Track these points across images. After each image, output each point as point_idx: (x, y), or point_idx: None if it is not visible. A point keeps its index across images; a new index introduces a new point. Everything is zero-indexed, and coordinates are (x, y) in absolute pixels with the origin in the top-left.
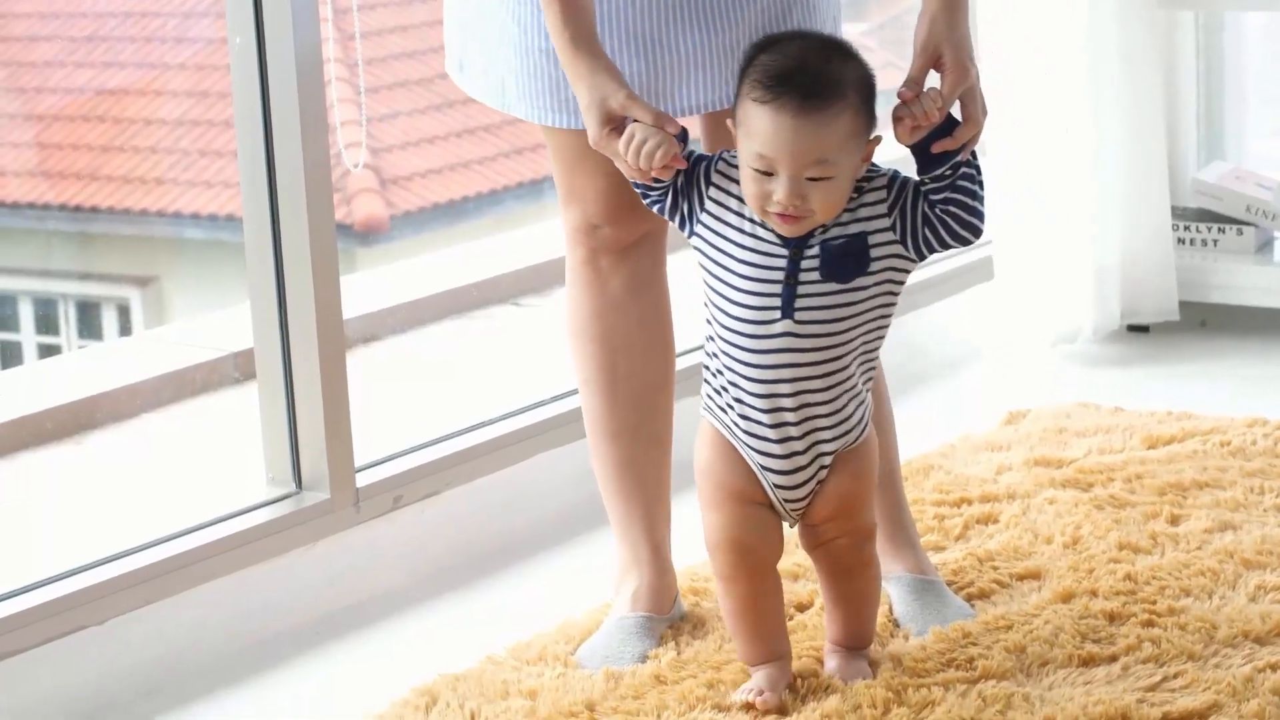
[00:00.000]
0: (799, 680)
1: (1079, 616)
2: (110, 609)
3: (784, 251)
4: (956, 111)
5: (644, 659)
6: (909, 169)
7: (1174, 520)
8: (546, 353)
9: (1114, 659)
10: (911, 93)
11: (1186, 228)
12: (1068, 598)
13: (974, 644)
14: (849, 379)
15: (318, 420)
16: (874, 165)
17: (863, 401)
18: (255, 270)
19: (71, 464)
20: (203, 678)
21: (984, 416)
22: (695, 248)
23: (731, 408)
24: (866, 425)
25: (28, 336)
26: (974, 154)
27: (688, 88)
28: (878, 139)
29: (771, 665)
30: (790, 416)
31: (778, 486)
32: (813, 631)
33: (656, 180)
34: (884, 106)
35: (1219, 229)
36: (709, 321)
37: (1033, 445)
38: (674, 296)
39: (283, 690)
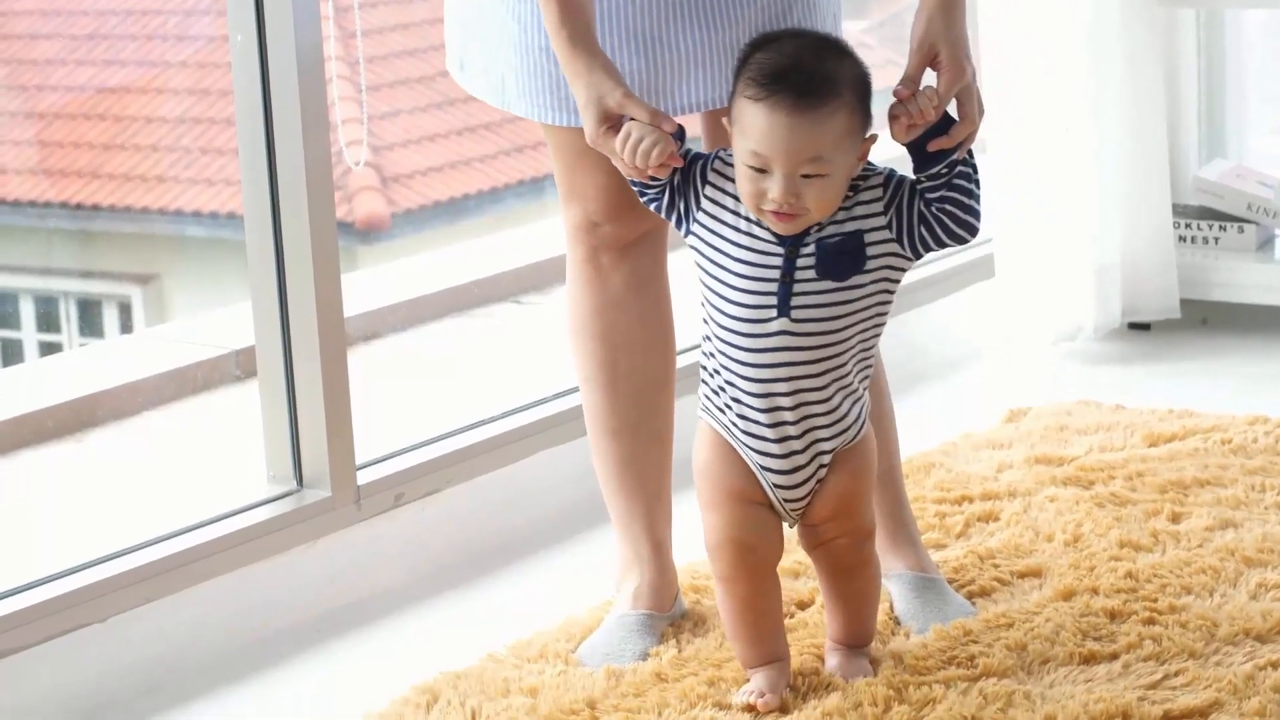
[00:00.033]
0: (800, 678)
1: (1080, 614)
2: (111, 607)
3: (780, 250)
4: (954, 110)
5: (645, 657)
6: (906, 168)
7: (1175, 518)
8: (547, 350)
9: (1115, 657)
10: (907, 91)
11: (1188, 225)
12: (1069, 595)
13: (975, 642)
14: (846, 377)
15: (319, 418)
16: (870, 164)
17: (859, 399)
18: (256, 268)
19: (72, 462)
20: (203, 675)
21: (985, 414)
22: (692, 247)
23: (729, 408)
24: (864, 424)
25: (29, 334)
26: (970, 152)
27: (688, 86)
28: (873, 137)
29: (771, 667)
30: (788, 416)
31: (777, 486)
32: (814, 629)
33: (653, 178)
34: (882, 105)
35: (1220, 227)
36: (706, 321)
37: (1034, 443)
38: (675, 294)
39: (283, 688)
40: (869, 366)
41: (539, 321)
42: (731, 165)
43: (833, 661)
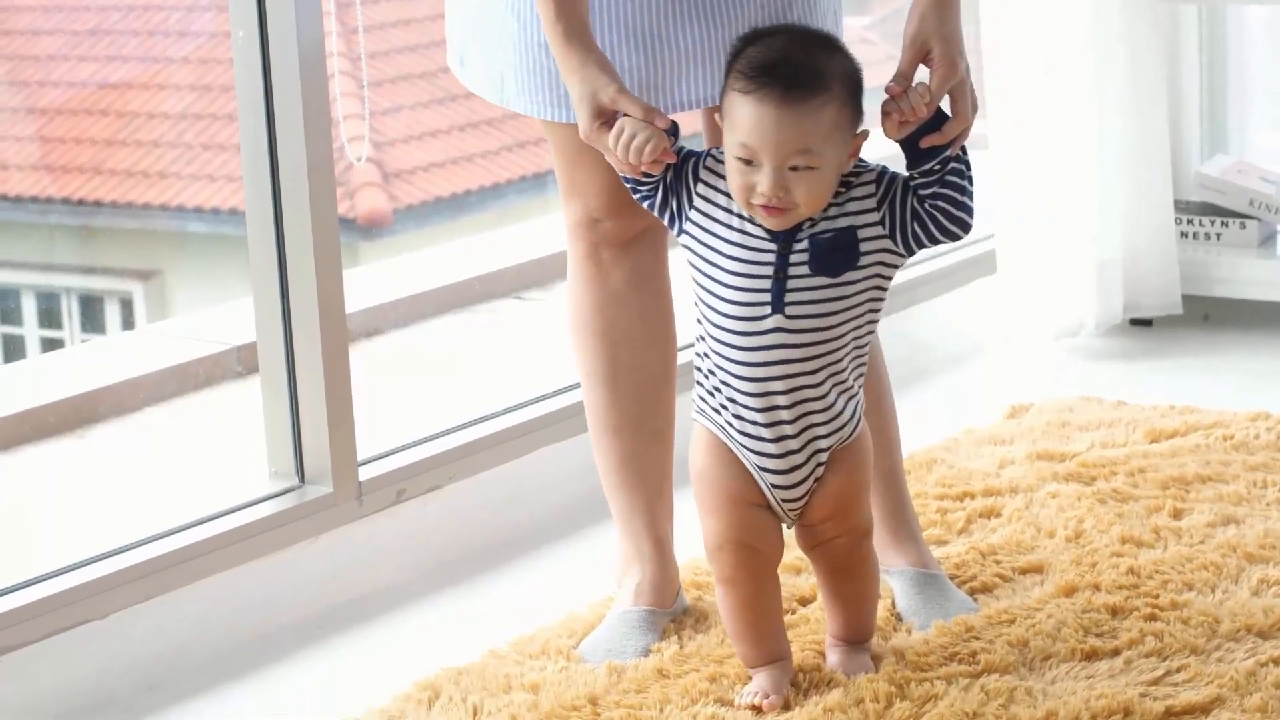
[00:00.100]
0: (801, 675)
1: (1081, 610)
2: (112, 603)
3: (772, 246)
4: (947, 106)
5: (646, 653)
6: (902, 166)
7: (1177, 514)
8: (549, 347)
9: (1116, 653)
10: (899, 87)
11: (1189, 221)
12: (1070, 592)
13: (976, 638)
14: (842, 374)
15: (320, 414)
16: (862, 160)
17: (855, 397)
18: (258, 264)
19: (74, 458)
20: (204, 672)
21: (986, 410)
22: (685, 246)
23: (725, 408)
24: (860, 421)
25: (30, 330)
26: (964, 149)
27: (687, 83)
28: (865, 133)
29: (773, 666)
30: (785, 414)
31: (774, 486)
32: (815, 625)
33: (647, 175)
34: (877, 101)
35: (1222, 223)
36: (700, 321)
37: (1035, 439)
38: (676, 290)
39: (285, 684)
40: (863, 363)
41: (541, 317)
42: (723, 163)
43: (834, 658)
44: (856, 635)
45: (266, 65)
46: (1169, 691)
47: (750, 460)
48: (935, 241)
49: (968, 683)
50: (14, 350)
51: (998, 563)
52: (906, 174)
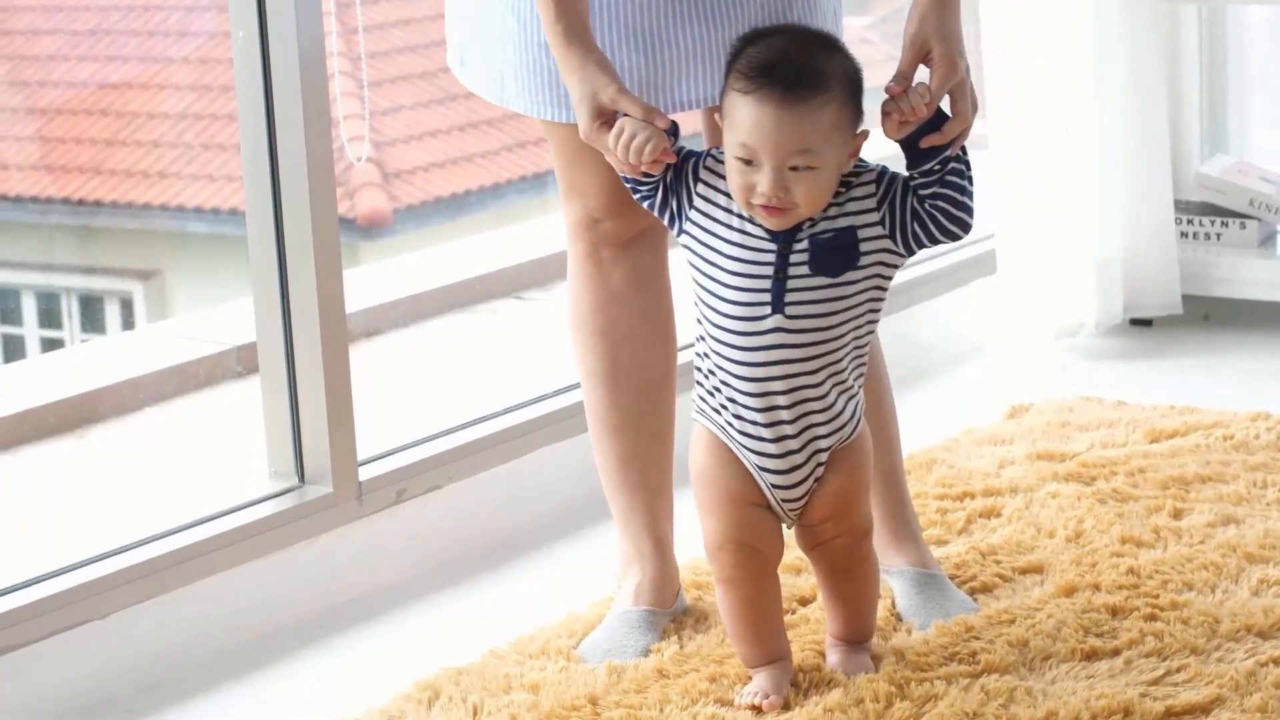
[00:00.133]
0: (801, 674)
1: (1081, 610)
2: (112, 603)
3: (772, 246)
4: (947, 106)
5: (646, 653)
6: (902, 166)
7: (1177, 514)
8: (549, 346)
9: (1116, 653)
10: (899, 87)
11: (1189, 221)
12: (1070, 592)
13: (976, 638)
14: (842, 374)
15: (320, 414)
16: (862, 160)
17: (855, 397)
18: (258, 264)
19: (74, 458)
20: (204, 672)
21: (986, 410)
22: (685, 246)
23: (725, 408)
24: (859, 421)
25: (30, 330)
26: (964, 149)
27: (687, 83)
28: (864, 133)
29: (773, 667)
30: (785, 415)
31: (775, 486)
32: (815, 625)
33: (646, 175)
34: (877, 101)
35: (1222, 223)
36: (699, 321)
37: (1035, 439)
38: (676, 290)
39: (285, 685)
40: (863, 363)
41: (541, 317)
42: (723, 163)
43: (834, 658)
44: (856, 635)
45: (266, 65)
46: (1169, 691)
47: (750, 460)
48: (935, 241)
49: (968, 683)
50: (14, 350)
51: (998, 563)
52: (906, 174)
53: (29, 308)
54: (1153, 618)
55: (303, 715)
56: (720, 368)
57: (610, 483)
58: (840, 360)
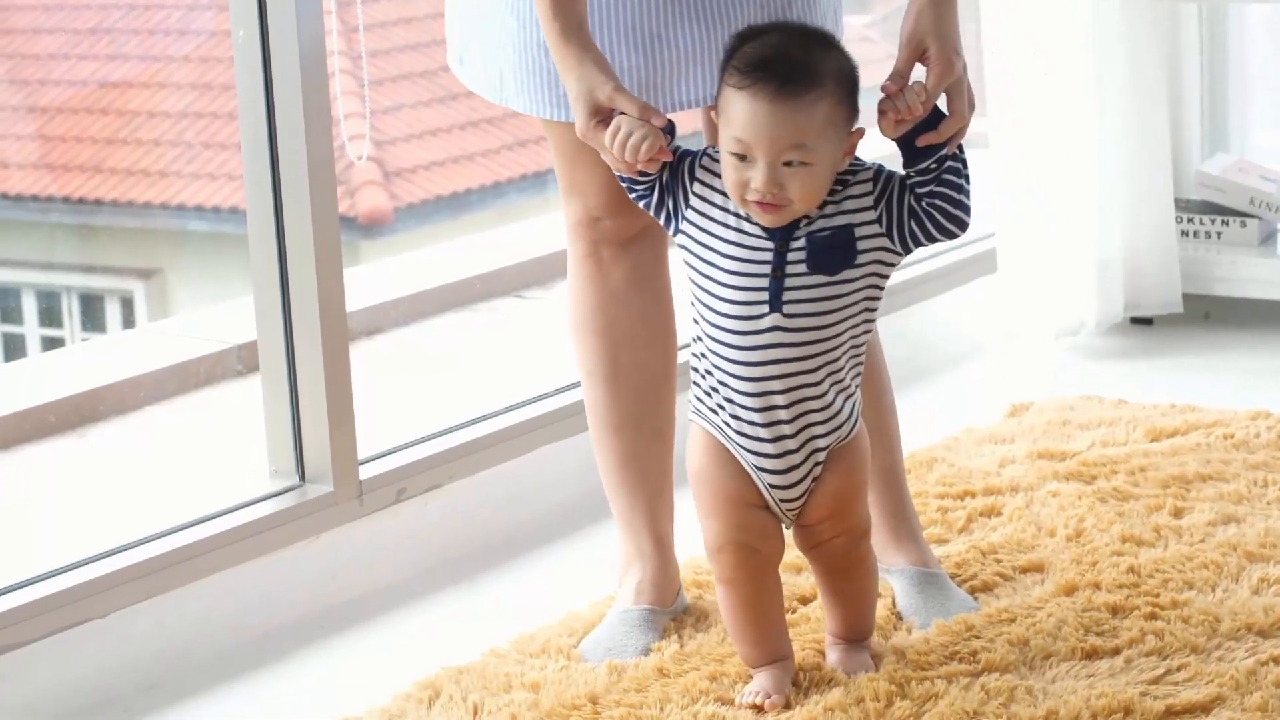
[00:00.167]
0: (802, 673)
1: (1082, 609)
2: (112, 602)
3: (769, 244)
4: (944, 105)
5: (647, 652)
6: (899, 165)
7: (1177, 513)
8: (550, 345)
9: (1117, 652)
10: (896, 86)
11: (1190, 220)
12: (1071, 590)
13: (977, 637)
14: (839, 372)
15: (321, 413)
16: (858, 159)
17: (852, 396)
18: (258, 263)
19: (74, 457)
20: (204, 672)
21: (987, 409)
22: (681, 246)
23: (722, 408)
24: (857, 421)
25: (31, 329)
26: (960, 148)
27: (687, 83)
28: (860, 131)
29: (775, 666)
30: (783, 414)
31: (772, 486)
32: (815, 624)
33: (642, 174)
34: (875, 100)
35: (1222, 221)
36: (696, 321)
37: (1036, 438)
38: (676, 289)
39: (285, 684)
40: (860, 363)
41: (541, 316)
42: (719, 161)
43: (834, 656)
44: (855, 633)
45: (267, 64)
46: (1169, 690)
47: (747, 460)
48: (932, 240)
49: (968, 682)
50: (14, 349)
51: (998, 561)
52: (903, 172)
53: (29, 306)
54: (1153, 617)
55: (303, 715)
56: (718, 367)
57: (610, 482)
58: (838, 359)
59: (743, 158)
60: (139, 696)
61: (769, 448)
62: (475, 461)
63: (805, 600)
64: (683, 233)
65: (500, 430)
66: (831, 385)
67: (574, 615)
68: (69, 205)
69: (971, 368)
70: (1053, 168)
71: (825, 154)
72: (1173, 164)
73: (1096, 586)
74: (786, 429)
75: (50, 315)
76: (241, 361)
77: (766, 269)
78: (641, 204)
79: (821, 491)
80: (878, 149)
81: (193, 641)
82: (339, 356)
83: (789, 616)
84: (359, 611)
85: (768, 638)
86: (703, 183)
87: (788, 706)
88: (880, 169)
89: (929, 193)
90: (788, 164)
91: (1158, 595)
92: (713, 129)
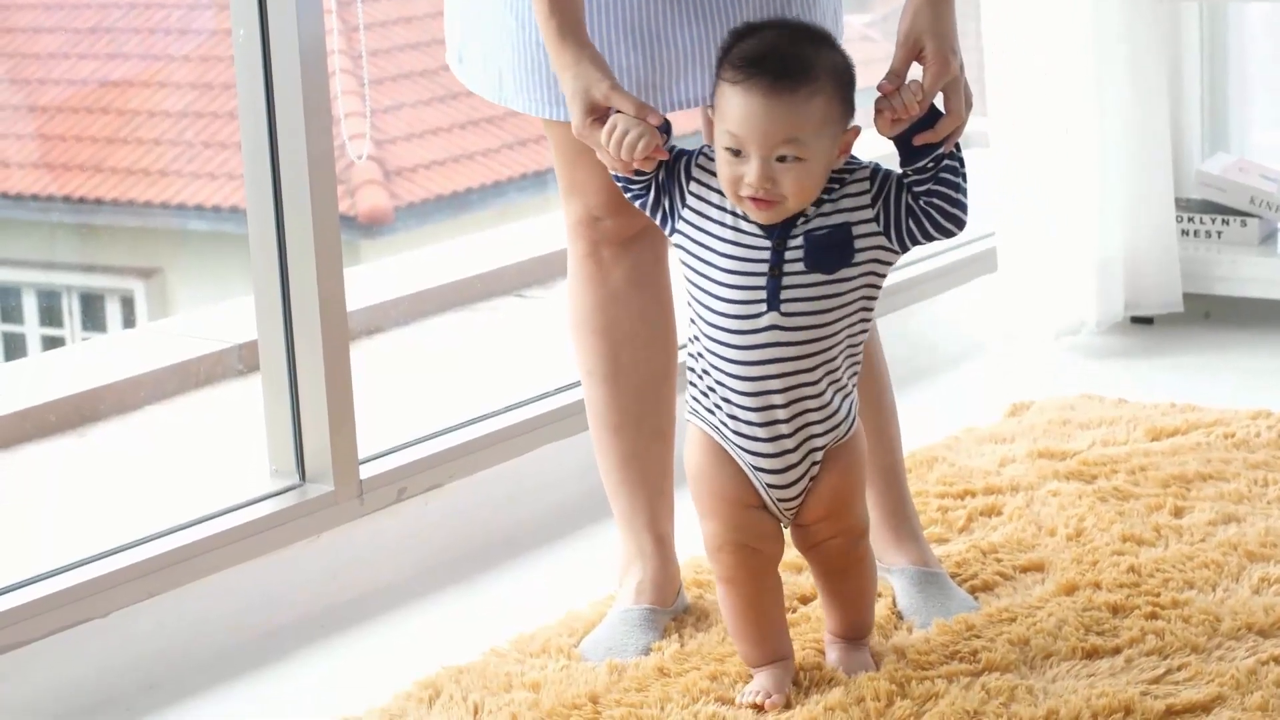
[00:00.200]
0: (802, 673)
1: (1082, 609)
2: (112, 602)
3: (767, 243)
4: (941, 104)
5: (647, 651)
6: (897, 164)
7: (1177, 512)
8: (550, 345)
9: (1117, 651)
10: (892, 85)
11: (1190, 219)
12: (1071, 590)
13: (977, 636)
14: (837, 371)
15: (321, 412)
16: (854, 157)
17: (849, 395)
18: (259, 262)
19: (75, 456)
20: (204, 671)
21: (987, 408)
22: (678, 245)
23: (720, 408)
24: (854, 420)
25: (31, 329)
26: (958, 146)
27: (685, 82)
28: (856, 129)
29: (775, 666)
30: (781, 414)
31: (770, 486)
32: (816, 624)
33: (639, 173)
34: (873, 99)
35: (1223, 221)
36: (694, 321)
37: (1036, 437)
38: (676, 289)
39: (285, 684)
40: (858, 362)
41: (542, 315)
42: (714, 160)
43: (833, 655)
44: (855, 632)
45: (267, 63)
46: (1170, 690)
47: (745, 460)
48: (930, 239)
49: (969, 681)
50: (15, 348)
51: (999, 561)
52: (900, 171)
53: (30, 306)
54: (1154, 616)
55: (303, 715)
56: (715, 367)
57: (611, 481)
58: (835, 358)
59: (737, 153)
60: (139, 696)
61: (766, 447)
62: (475, 461)
63: (805, 600)
64: (679, 232)
65: (500, 430)
66: (829, 384)
67: (574, 615)
68: (69, 204)
69: (972, 367)
70: (1053, 167)
71: (819, 150)
72: (1173, 163)
73: (1097, 586)
74: (784, 428)
75: (51, 314)
76: (242, 361)
77: (764, 268)
78: (637, 203)
79: (819, 491)
80: (875, 148)
81: (193, 641)
82: (339, 356)
83: (789, 616)
84: (359, 611)
85: (768, 637)
86: (699, 181)
87: (788, 706)
88: (877, 168)
89: (926, 191)
90: (781, 159)
91: (1158, 595)
92: (712, 128)
